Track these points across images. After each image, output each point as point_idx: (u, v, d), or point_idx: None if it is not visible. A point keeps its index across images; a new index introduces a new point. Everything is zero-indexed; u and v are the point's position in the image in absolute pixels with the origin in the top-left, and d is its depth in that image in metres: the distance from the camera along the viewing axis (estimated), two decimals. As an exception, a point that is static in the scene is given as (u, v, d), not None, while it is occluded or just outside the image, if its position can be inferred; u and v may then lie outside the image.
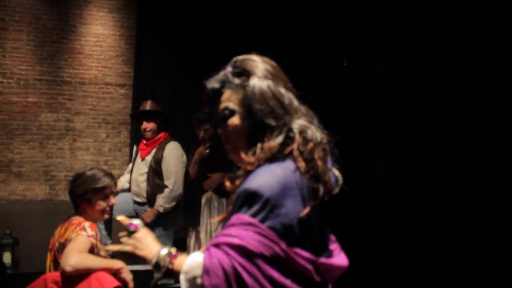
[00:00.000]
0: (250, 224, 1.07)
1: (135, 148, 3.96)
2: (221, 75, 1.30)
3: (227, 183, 1.24)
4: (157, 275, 1.18)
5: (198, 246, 3.63)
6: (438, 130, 3.08)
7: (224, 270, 1.04)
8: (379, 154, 3.71)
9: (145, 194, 3.69)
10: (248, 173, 1.18)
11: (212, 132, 3.57)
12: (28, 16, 7.46)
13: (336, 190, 1.19)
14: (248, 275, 1.04)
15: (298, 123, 1.19)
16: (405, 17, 3.54)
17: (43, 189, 7.55)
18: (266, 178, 1.11)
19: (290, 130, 1.18)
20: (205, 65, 7.55)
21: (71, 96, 7.69)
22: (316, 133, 1.19)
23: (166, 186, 3.61)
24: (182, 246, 4.03)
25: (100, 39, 7.79)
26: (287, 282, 1.07)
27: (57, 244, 2.17)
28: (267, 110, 1.20)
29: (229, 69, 1.30)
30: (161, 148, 3.68)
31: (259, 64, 1.26)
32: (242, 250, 1.05)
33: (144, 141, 3.78)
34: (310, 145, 1.16)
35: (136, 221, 1.31)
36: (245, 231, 1.06)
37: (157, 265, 1.17)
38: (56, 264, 2.15)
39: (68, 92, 7.67)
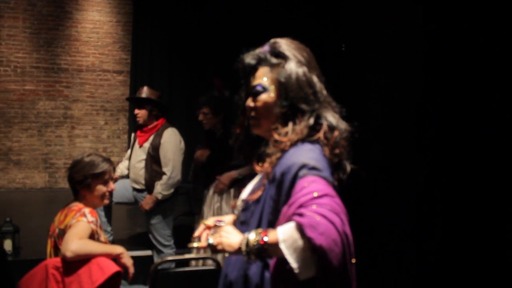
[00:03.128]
0: (315, 180, 1.13)
1: (133, 134, 3.96)
2: (258, 52, 1.36)
3: (265, 162, 1.28)
4: (250, 257, 1.15)
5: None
6: (437, 117, 3.08)
7: (324, 217, 1.05)
8: (376, 140, 3.71)
9: (143, 181, 3.70)
10: (283, 151, 1.24)
11: (213, 117, 3.53)
12: (23, 3, 7.39)
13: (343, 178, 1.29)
14: (343, 213, 1.09)
15: (326, 112, 1.27)
16: (403, 2, 3.52)
17: (43, 177, 7.56)
18: (309, 154, 1.20)
19: (319, 117, 1.27)
20: (202, 51, 7.53)
21: (68, 84, 7.66)
22: (340, 123, 1.28)
23: (164, 173, 3.61)
24: (182, 233, 4.05)
25: (96, 25, 7.74)
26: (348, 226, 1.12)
27: (57, 231, 2.18)
28: (301, 95, 1.27)
29: (266, 48, 1.36)
30: (159, 135, 3.67)
31: (296, 50, 1.33)
32: (326, 197, 1.09)
33: (142, 128, 3.78)
34: (336, 133, 1.24)
35: (221, 218, 1.35)
36: (316, 184, 1.11)
37: (248, 248, 1.14)
38: (57, 251, 2.16)
39: (66, 80, 7.64)
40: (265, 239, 1.11)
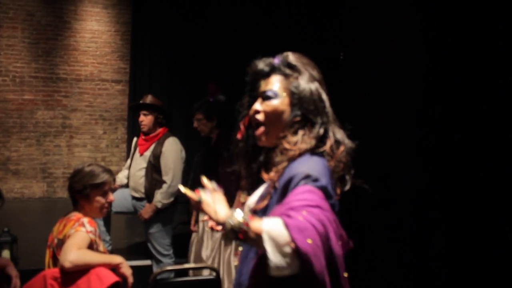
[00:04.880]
0: (312, 190, 1.17)
1: (134, 141, 3.95)
2: (271, 60, 1.40)
3: (271, 171, 1.31)
4: (228, 235, 1.16)
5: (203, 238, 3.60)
6: (436, 123, 3.08)
7: (312, 224, 1.07)
8: (376, 146, 3.71)
9: (143, 190, 3.69)
10: (290, 161, 1.28)
11: (207, 122, 3.55)
12: (22, 13, 7.42)
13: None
14: (330, 227, 1.12)
15: (333, 127, 1.33)
16: (402, 9, 3.54)
17: (41, 186, 7.54)
18: (314, 166, 1.24)
19: (326, 131, 1.32)
20: (201, 59, 7.55)
21: (67, 93, 7.67)
22: (346, 139, 1.33)
23: (164, 182, 3.61)
24: (181, 243, 4.03)
25: (95, 35, 7.76)
26: (337, 241, 1.16)
27: (55, 241, 2.17)
28: (313, 108, 1.32)
29: (278, 59, 1.40)
30: (160, 144, 3.67)
31: (308, 65, 1.39)
32: (318, 208, 1.13)
33: (143, 136, 3.77)
34: (341, 148, 1.30)
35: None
36: (312, 194, 1.15)
37: (231, 224, 1.15)
38: (55, 261, 2.14)
39: (64, 89, 7.65)
40: (250, 223, 1.13)
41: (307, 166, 1.23)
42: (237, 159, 1.48)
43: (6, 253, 3.75)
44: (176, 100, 7.20)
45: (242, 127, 1.46)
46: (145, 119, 3.68)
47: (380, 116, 3.68)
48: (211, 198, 1.24)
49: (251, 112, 1.40)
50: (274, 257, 1.06)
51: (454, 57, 2.93)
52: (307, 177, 1.19)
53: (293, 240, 1.04)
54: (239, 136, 1.46)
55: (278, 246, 1.06)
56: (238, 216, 1.15)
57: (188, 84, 7.15)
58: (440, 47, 3.04)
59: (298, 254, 1.05)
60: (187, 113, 3.71)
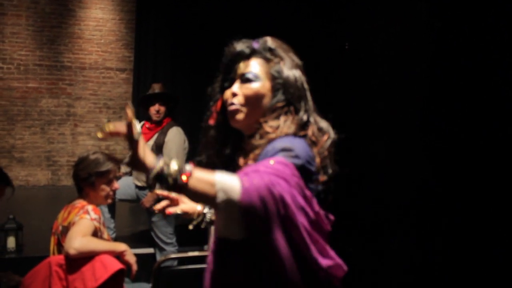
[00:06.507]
0: (284, 163, 1.06)
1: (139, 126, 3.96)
2: (252, 43, 1.35)
3: (249, 157, 1.24)
4: (157, 183, 1.01)
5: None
6: (440, 115, 3.07)
7: (270, 191, 0.97)
8: (380, 138, 3.70)
9: (145, 178, 3.70)
10: (268, 142, 1.22)
11: None
12: (26, 0, 7.40)
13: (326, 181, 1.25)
14: (290, 198, 1.00)
15: (316, 115, 1.30)
16: (408, 0, 3.51)
17: (45, 174, 7.58)
18: (295, 143, 1.18)
19: (308, 118, 1.28)
20: (206, 48, 7.50)
21: (71, 81, 7.67)
22: (330, 129, 1.29)
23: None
24: (184, 231, 4.05)
25: (100, 23, 7.74)
26: (312, 214, 1.04)
27: (60, 228, 2.18)
28: (297, 94, 1.29)
29: (258, 43, 1.35)
30: (163, 133, 3.68)
31: (289, 52, 1.35)
32: (282, 180, 1.00)
33: (147, 125, 3.78)
34: (325, 137, 1.25)
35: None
36: (282, 166, 1.04)
37: (167, 172, 1.01)
38: (60, 248, 2.16)
39: (69, 77, 7.65)
40: (197, 174, 1.01)
41: (290, 143, 1.16)
42: (206, 147, 1.39)
43: (11, 241, 3.78)
44: (180, 89, 7.18)
45: (214, 112, 1.37)
46: (161, 108, 3.69)
47: (384, 108, 3.67)
48: (142, 136, 1.06)
49: (228, 94, 1.32)
50: (226, 210, 0.98)
51: (460, 49, 2.91)
52: (284, 150, 1.12)
53: (242, 196, 0.96)
54: (211, 122, 1.38)
55: (228, 200, 0.97)
56: (174, 164, 1.02)
57: (193, 73, 7.14)
58: (446, 39, 3.02)
59: (245, 211, 0.96)
60: (191, 102, 3.71)
